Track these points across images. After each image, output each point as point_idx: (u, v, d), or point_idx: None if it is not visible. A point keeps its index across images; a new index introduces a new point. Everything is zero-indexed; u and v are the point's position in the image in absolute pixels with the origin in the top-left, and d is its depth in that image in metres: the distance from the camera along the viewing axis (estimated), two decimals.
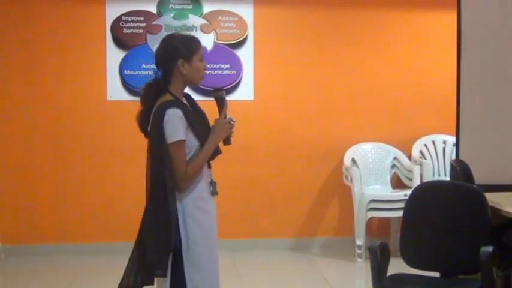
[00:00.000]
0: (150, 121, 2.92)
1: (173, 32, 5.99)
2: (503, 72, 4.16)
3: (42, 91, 5.96)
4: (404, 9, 6.31)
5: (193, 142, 2.90)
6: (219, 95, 3.01)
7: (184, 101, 2.99)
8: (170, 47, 2.95)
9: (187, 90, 3.07)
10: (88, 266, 5.69)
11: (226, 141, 3.03)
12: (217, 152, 3.01)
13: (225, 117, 3.00)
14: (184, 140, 2.85)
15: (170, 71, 2.93)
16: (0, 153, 5.92)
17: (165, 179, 2.83)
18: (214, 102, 3.04)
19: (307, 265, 5.78)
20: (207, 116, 3.07)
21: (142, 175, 6.53)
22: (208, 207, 3.00)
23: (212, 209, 3.03)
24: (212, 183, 3.02)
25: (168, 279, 2.87)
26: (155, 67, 2.99)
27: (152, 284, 2.94)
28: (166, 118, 2.82)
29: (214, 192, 3.02)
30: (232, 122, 3.01)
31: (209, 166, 3.03)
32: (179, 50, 2.91)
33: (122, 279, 3.00)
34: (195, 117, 2.94)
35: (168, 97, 2.91)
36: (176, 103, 2.89)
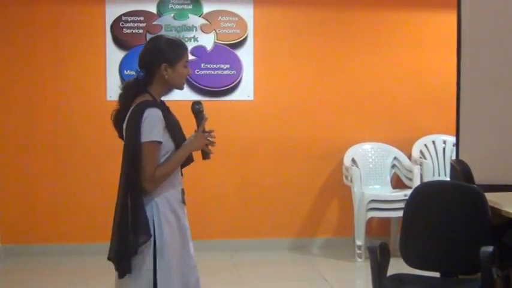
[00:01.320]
0: (126, 120, 2.88)
1: (173, 32, 6.00)
2: (503, 72, 4.16)
3: (42, 91, 5.96)
4: (404, 9, 6.31)
5: (169, 144, 2.87)
6: (196, 108, 2.99)
7: None
8: (156, 50, 2.91)
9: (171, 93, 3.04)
10: (88, 266, 5.69)
11: (205, 156, 3.00)
12: (189, 160, 2.97)
13: (204, 131, 2.97)
14: (159, 142, 2.82)
15: (152, 73, 2.89)
16: (0, 153, 5.92)
17: (136, 179, 2.81)
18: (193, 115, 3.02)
19: (307, 265, 5.78)
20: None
21: None
22: (182, 214, 2.96)
23: (184, 217, 2.98)
24: (182, 192, 2.98)
25: (142, 278, 2.84)
26: (138, 67, 2.94)
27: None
28: (144, 116, 2.79)
29: (183, 201, 2.98)
30: (211, 139, 2.98)
31: (181, 174, 3.00)
32: (164, 54, 2.88)
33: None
34: (172, 121, 2.91)
35: (147, 97, 2.88)
36: (156, 104, 2.86)
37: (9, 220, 5.91)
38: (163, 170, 2.84)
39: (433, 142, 6.28)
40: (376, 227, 6.22)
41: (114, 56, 5.97)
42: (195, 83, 6.02)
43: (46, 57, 5.95)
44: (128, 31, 6.00)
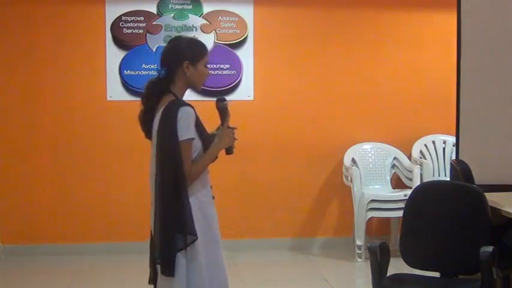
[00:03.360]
0: (157, 121, 2.90)
1: (173, 32, 6.00)
2: (503, 72, 4.16)
3: (42, 91, 5.96)
4: (404, 9, 6.31)
5: (198, 142, 2.91)
6: (222, 104, 3.03)
7: None
8: (178, 48, 2.97)
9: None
10: (88, 266, 5.69)
11: (229, 151, 3.05)
12: (215, 159, 3.03)
13: (228, 127, 3.03)
14: (194, 139, 2.87)
15: (174, 71, 2.93)
16: (0, 153, 5.92)
17: (180, 179, 2.83)
18: (217, 111, 3.05)
19: (307, 265, 5.78)
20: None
21: (142, 175, 6.51)
22: (212, 211, 3.02)
23: (214, 215, 3.05)
24: (211, 188, 3.05)
25: (178, 278, 2.86)
26: (159, 66, 2.98)
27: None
28: (179, 115, 2.83)
29: (213, 197, 3.05)
30: (234, 134, 3.04)
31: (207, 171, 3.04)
32: (186, 52, 2.93)
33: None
34: (199, 120, 2.95)
35: (171, 97, 2.91)
36: (187, 102, 2.91)
37: (9, 220, 5.91)
38: (198, 167, 2.90)
39: (433, 142, 6.28)
40: (376, 227, 6.22)
41: (114, 56, 5.97)
42: None
43: (46, 57, 5.94)
44: (128, 31, 5.99)
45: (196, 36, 6.01)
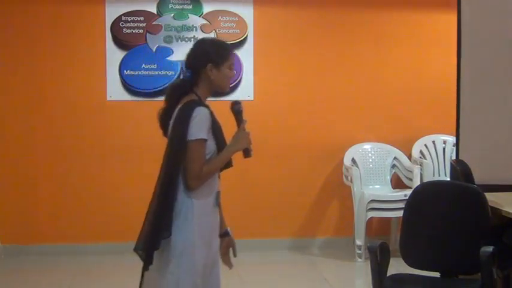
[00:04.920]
0: (172, 118, 2.92)
1: (173, 32, 6.00)
2: (503, 72, 4.16)
3: (42, 91, 5.96)
4: (404, 9, 6.31)
5: (212, 145, 2.92)
6: (236, 108, 3.03)
7: None
8: (202, 51, 2.98)
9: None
10: (88, 266, 5.69)
11: (247, 154, 3.03)
12: (229, 164, 3.03)
13: (244, 130, 3.03)
14: (206, 140, 2.87)
15: (198, 73, 2.95)
16: (0, 153, 5.92)
17: (176, 176, 2.83)
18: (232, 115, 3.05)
19: (307, 265, 5.78)
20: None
21: (142, 175, 6.53)
22: (213, 218, 3.01)
23: (215, 221, 3.03)
24: (217, 194, 3.02)
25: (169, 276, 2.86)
26: (184, 68, 3.01)
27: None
28: (194, 114, 2.83)
29: (217, 204, 3.01)
30: (249, 136, 3.03)
31: (219, 177, 3.04)
32: (210, 54, 2.95)
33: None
34: (216, 123, 2.97)
35: (193, 97, 2.94)
36: (204, 103, 2.93)
37: (9, 220, 5.91)
38: (209, 168, 2.89)
39: (433, 142, 6.28)
40: (376, 227, 6.22)
41: (114, 56, 5.97)
42: None
43: (46, 57, 5.94)
44: (128, 31, 5.99)
45: (196, 36, 6.05)
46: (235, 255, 3.21)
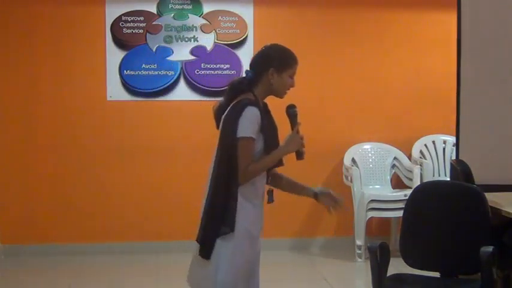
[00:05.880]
0: (225, 113, 2.99)
1: (173, 31, 6.00)
2: (503, 72, 4.16)
3: (42, 91, 5.96)
4: (405, 9, 6.31)
5: (260, 146, 2.99)
6: (291, 111, 3.11)
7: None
8: (268, 54, 3.07)
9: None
10: (88, 266, 5.69)
11: (299, 156, 3.18)
12: (280, 163, 3.18)
13: (297, 133, 3.11)
14: (254, 139, 2.94)
15: (260, 74, 3.03)
16: (1, 153, 5.92)
17: (228, 171, 2.93)
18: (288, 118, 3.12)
19: (307, 265, 5.78)
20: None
21: (142, 175, 6.53)
22: (259, 223, 3.28)
23: (259, 223, 3.30)
24: (269, 192, 3.26)
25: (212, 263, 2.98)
26: (248, 68, 3.09)
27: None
28: (244, 113, 2.91)
29: (270, 200, 3.31)
30: (303, 140, 3.14)
31: (276, 172, 3.22)
32: (275, 59, 3.03)
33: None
34: (268, 124, 3.04)
35: (249, 96, 3.00)
36: (257, 103, 2.98)
37: (9, 220, 5.91)
38: (256, 167, 3.00)
39: (433, 142, 6.27)
40: (376, 227, 6.22)
41: (114, 56, 5.97)
42: (195, 83, 6.02)
43: (46, 57, 5.94)
44: (128, 31, 5.99)
45: (196, 36, 6.05)
46: (340, 206, 3.59)
